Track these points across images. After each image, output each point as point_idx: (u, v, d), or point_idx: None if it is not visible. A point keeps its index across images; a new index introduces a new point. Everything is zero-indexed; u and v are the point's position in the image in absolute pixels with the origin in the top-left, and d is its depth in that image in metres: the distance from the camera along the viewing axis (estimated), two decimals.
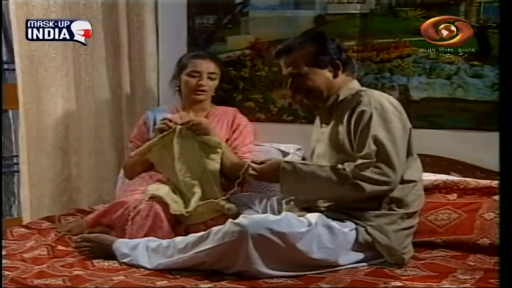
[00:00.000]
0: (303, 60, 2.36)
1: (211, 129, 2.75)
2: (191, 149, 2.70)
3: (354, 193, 2.20)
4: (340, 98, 2.37)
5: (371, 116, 2.22)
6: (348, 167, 2.21)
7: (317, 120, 2.56)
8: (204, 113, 3.01)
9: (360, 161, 2.20)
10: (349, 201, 2.25)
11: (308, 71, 2.36)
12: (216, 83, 3.02)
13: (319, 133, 2.49)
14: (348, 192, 2.21)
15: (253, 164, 2.38)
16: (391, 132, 2.22)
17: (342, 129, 2.31)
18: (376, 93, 2.36)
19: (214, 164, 2.72)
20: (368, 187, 2.18)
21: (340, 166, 2.23)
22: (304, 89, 2.38)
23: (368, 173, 2.18)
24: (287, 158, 3.02)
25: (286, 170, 2.30)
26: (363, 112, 2.24)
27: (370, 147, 2.20)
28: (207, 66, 2.97)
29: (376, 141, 2.20)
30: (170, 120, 2.73)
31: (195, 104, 3.00)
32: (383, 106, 2.26)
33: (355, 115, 2.26)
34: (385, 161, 2.18)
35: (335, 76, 2.38)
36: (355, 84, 2.43)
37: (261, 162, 2.39)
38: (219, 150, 2.73)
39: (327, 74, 2.37)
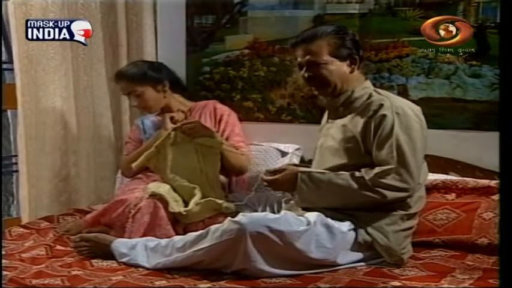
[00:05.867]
0: (325, 49, 2.32)
1: (206, 129, 2.75)
2: (186, 154, 2.70)
3: (374, 200, 2.19)
4: (355, 95, 2.35)
5: (393, 122, 2.21)
6: (367, 174, 2.20)
7: (325, 115, 2.54)
8: (184, 109, 3.03)
9: (379, 169, 2.19)
10: (366, 206, 2.24)
11: (327, 61, 2.32)
12: (149, 93, 2.91)
13: (324, 128, 2.48)
14: (368, 199, 2.20)
15: (266, 177, 2.36)
16: (412, 139, 2.21)
17: (357, 128, 2.28)
18: (397, 98, 2.35)
19: (212, 165, 2.72)
20: (389, 194, 2.18)
21: (357, 174, 2.21)
22: (319, 78, 2.35)
23: (389, 180, 2.17)
24: (287, 160, 3.02)
25: (304, 180, 2.28)
26: (384, 116, 2.22)
27: (392, 153, 2.18)
28: (122, 88, 2.98)
29: (398, 147, 2.19)
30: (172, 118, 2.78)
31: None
32: (405, 112, 2.24)
33: (375, 118, 2.24)
34: (405, 168, 2.18)
35: (351, 71, 2.35)
36: (369, 84, 2.41)
37: (275, 170, 2.38)
38: (217, 150, 2.72)
39: (345, 67, 2.34)
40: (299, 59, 2.39)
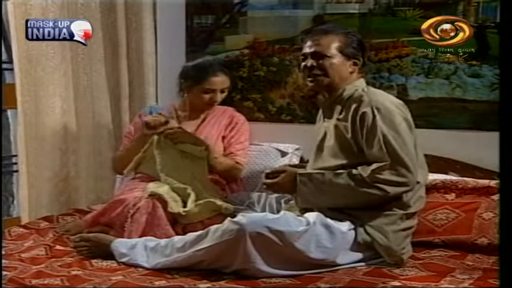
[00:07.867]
0: (334, 44, 2.35)
1: (189, 135, 2.76)
2: (172, 158, 2.72)
3: (376, 197, 2.20)
4: (345, 93, 2.36)
5: (374, 118, 2.22)
6: (364, 171, 2.20)
7: (320, 114, 2.54)
8: (203, 114, 3.01)
9: (375, 165, 2.20)
10: (368, 205, 2.24)
11: (333, 54, 2.35)
12: (226, 93, 3.01)
13: (321, 127, 2.48)
14: (369, 196, 2.20)
15: (266, 180, 2.37)
16: (398, 133, 2.22)
17: (347, 128, 2.30)
18: (378, 93, 2.36)
19: (200, 168, 2.73)
20: (391, 189, 2.18)
21: (355, 171, 2.22)
22: (321, 69, 2.36)
23: (386, 175, 2.18)
24: (286, 160, 3.02)
25: (303, 182, 2.29)
26: (364, 113, 2.24)
27: (380, 148, 2.19)
28: (222, 82, 2.94)
29: (386, 143, 2.19)
30: (160, 114, 2.77)
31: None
32: (386, 107, 2.25)
33: (357, 116, 2.26)
34: (398, 162, 2.18)
35: (352, 72, 2.38)
36: (361, 83, 2.42)
37: (274, 171, 2.39)
38: (202, 154, 2.73)
39: (347, 66, 2.37)
40: (306, 50, 2.40)
